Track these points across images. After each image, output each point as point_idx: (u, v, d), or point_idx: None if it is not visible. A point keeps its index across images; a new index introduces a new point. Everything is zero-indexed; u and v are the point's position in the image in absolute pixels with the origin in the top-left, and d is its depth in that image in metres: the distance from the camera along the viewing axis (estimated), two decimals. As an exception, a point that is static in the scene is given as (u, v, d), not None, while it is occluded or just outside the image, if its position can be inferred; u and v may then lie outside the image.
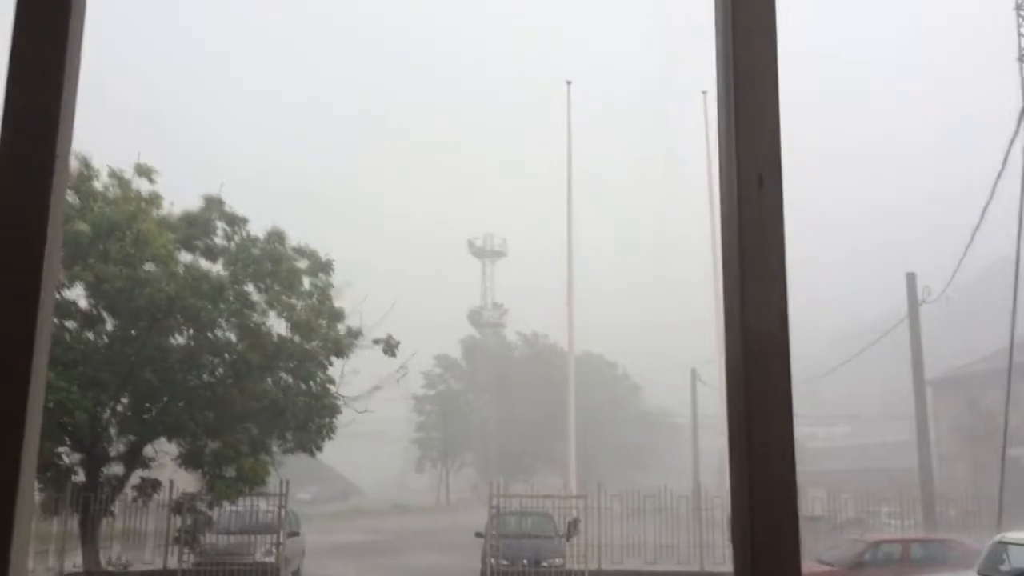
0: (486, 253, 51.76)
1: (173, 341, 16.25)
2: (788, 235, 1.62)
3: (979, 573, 11.68)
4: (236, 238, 16.82)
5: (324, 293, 17.11)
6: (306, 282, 17.02)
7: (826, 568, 15.68)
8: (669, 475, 29.92)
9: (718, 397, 22.81)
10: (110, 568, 16.12)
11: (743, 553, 1.99)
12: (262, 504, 17.30)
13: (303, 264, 17.07)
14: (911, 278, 23.13)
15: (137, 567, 16.50)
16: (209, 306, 15.62)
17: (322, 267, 17.24)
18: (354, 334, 17.02)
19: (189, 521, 16.30)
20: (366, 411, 17.96)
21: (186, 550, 16.17)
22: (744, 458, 1.73)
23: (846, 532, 16.98)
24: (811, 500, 18.37)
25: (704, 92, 22.02)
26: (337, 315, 17.02)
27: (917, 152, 62.65)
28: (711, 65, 1.77)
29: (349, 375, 17.33)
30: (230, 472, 15.98)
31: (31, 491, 1.58)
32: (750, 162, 1.72)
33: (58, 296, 14.83)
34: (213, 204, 16.77)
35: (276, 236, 16.96)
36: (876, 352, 28.13)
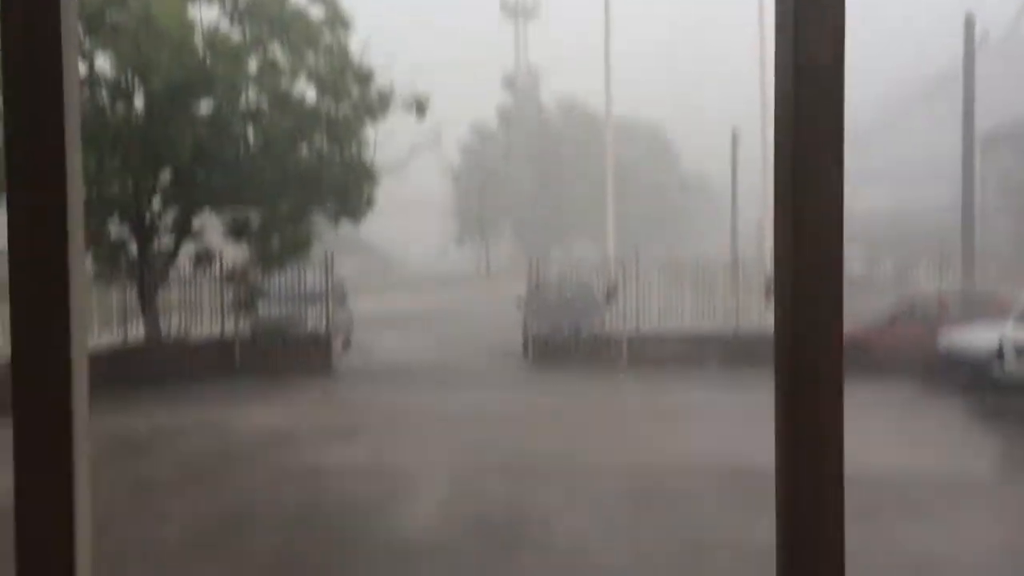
0: (519, 12, 49.36)
1: (203, 112, 16.18)
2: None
3: (1014, 320, 11.84)
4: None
5: (345, 50, 16.69)
6: (326, 33, 16.55)
7: (861, 325, 16.00)
8: (707, 244, 30.11)
9: (759, 166, 22.40)
10: (170, 337, 17.02)
11: (784, 305, 1.95)
12: (309, 276, 17.84)
13: (318, 12, 16.50)
14: (969, 21, 21.70)
15: (195, 337, 17.36)
16: (233, 70, 15.44)
17: (340, 20, 16.67)
18: (385, 96, 16.76)
19: (241, 292, 16.99)
20: (403, 178, 18.03)
21: (240, 320, 16.98)
22: (790, 198, 1.71)
23: (884, 290, 17.13)
24: (849, 260, 18.40)
25: None
26: (365, 76, 16.68)
27: None
28: None
29: (384, 140, 17.31)
30: (275, 242, 16.49)
31: (82, 263, 1.55)
32: None
33: (83, 70, 14.75)
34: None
35: None
36: (924, 109, 27.12)
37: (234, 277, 17.11)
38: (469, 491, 7.88)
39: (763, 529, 1.89)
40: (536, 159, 46.47)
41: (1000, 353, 11.75)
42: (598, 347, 16.95)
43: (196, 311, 17.79)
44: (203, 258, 17.09)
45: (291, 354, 16.60)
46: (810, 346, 1.96)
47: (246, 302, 17.04)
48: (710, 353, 16.07)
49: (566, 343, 17.03)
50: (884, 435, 10.54)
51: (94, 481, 1.48)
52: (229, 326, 17.02)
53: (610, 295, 18.14)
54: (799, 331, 1.99)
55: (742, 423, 10.03)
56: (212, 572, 5.92)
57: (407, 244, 48.44)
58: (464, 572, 5.72)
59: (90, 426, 1.49)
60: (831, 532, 1.94)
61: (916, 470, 8.69)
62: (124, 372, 14.26)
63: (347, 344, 19.35)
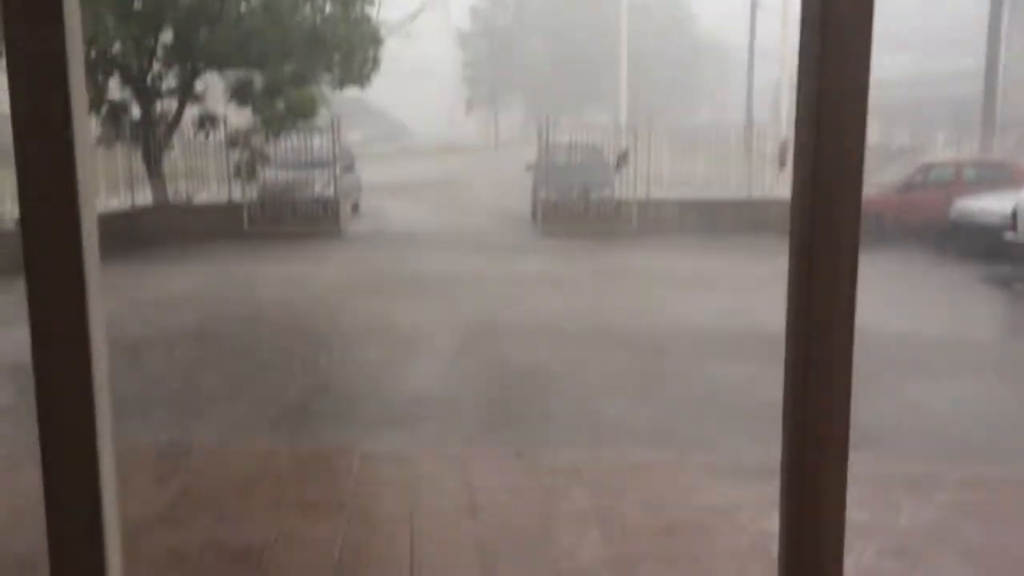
0: None
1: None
2: None
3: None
4: None
5: None
6: None
7: (877, 191, 15.87)
8: (722, 110, 29.47)
9: (779, 26, 21.64)
10: (177, 201, 17.02)
11: (804, 169, 1.93)
12: (316, 141, 17.68)
13: None
14: None
15: (201, 200, 17.36)
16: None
17: None
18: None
19: (246, 155, 16.89)
20: (410, 43, 17.57)
21: (248, 184, 16.94)
22: (815, 62, 1.70)
23: (900, 158, 16.89)
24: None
25: None
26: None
27: None
28: None
29: (389, 2, 16.77)
30: (279, 104, 16.25)
31: (86, 122, 1.54)
32: None
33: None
34: None
35: None
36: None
37: (238, 141, 16.96)
38: (477, 346, 8.03)
39: (768, 387, 1.91)
40: (547, 25, 45.00)
41: (1013, 220, 11.67)
42: (608, 212, 16.89)
43: (202, 178, 17.75)
44: (207, 122, 16.87)
45: (300, 218, 16.62)
46: (828, 212, 1.94)
47: (252, 167, 16.95)
48: (721, 219, 16.02)
49: (575, 208, 16.97)
50: (893, 300, 10.64)
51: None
52: (236, 192, 16.97)
53: (621, 161, 17.94)
54: (818, 196, 1.96)
55: (752, 289, 10.12)
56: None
57: (415, 111, 47.64)
58: (467, 417, 5.89)
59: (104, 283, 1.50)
60: (839, 398, 1.97)
61: (924, 333, 8.81)
62: (133, 233, 14.39)
63: (356, 209, 19.35)
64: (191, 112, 16.85)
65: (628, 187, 17.18)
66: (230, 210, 16.72)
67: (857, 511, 1.97)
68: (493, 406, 6.35)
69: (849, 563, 1.89)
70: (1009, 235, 11.73)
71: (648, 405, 6.38)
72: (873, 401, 6.54)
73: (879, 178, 16.26)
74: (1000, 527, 4.12)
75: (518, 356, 7.83)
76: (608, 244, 15.33)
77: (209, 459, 4.96)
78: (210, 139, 17.17)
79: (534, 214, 17.49)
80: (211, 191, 17.63)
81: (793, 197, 1.97)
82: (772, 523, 1.93)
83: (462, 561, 3.62)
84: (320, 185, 17.10)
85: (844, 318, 1.94)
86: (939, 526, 4.06)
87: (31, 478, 1.59)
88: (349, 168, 18.49)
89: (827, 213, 1.92)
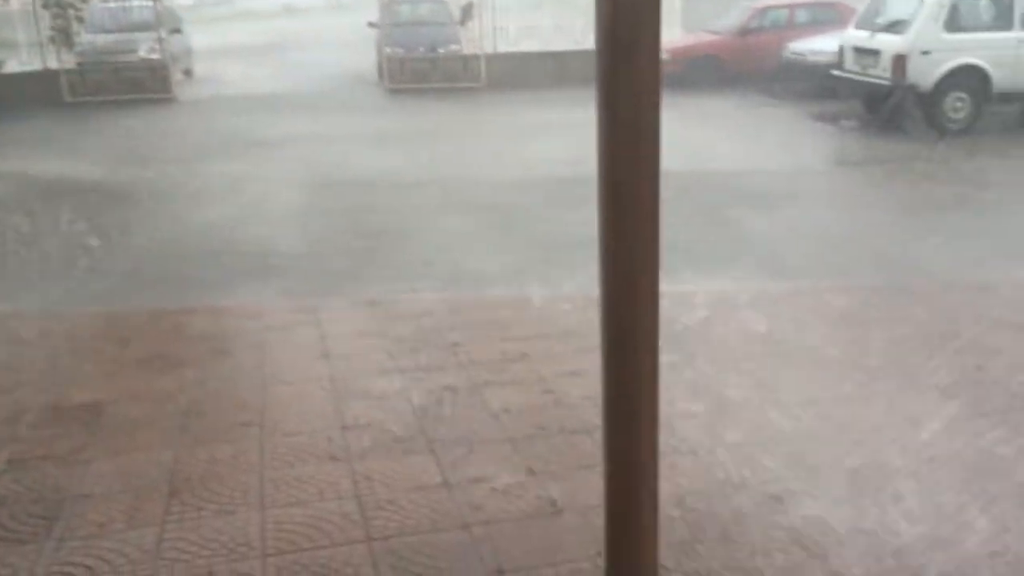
0: None
1: None
2: None
3: (855, 27, 12.23)
4: None
5: None
6: None
7: (715, 36, 16.19)
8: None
9: None
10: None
11: (603, 19, 1.98)
12: (135, 1, 16.40)
13: None
14: None
15: (12, 69, 15.88)
16: None
17: None
18: None
19: (59, 21, 15.49)
20: None
21: (64, 49, 15.60)
22: None
23: (739, 3, 17.17)
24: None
25: None
26: None
27: None
28: None
29: None
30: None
31: None
32: None
33: None
34: None
35: None
36: None
37: (50, 4, 15.49)
38: (323, 202, 7.87)
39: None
40: None
41: (839, 57, 12.18)
42: (455, 68, 16.56)
43: (11, 47, 16.22)
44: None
45: (125, 84, 15.48)
46: (628, 59, 2.01)
47: (66, 31, 15.57)
48: (569, 71, 15.99)
49: (421, 65, 16.55)
50: (727, 139, 11.06)
51: None
52: (52, 59, 15.61)
53: (465, 15, 17.52)
54: (618, 44, 2.02)
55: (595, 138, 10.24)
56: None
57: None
58: (317, 271, 5.84)
59: None
60: (647, 222, 2.09)
61: (753, 168, 9.24)
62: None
63: (189, 74, 18.21)
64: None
65: (475, 42, 16.84)
66: (46, 78, 15.37)
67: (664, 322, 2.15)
68: (343, 259, 6.29)
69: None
70: (836, 72, 12.28)
71: (497, 250, 6.48)
72: (703, 228, 6.88)
73: (720, 23, 16.57)
74: (791, 326, 4.49)
75: (366, 210, 7.74)
76: (455, 100, 15.10)
77: (52, 323, 4.73)
78: (15, 2, 15.61)
79: (380, 73, 16.95)
80: (23, 59, 16.13)
81: (597, 46, 2.03)
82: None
83: (314, 400, 3.66)
84: (145, 49, 15.91)
85: (649, 150, 2.04)
86: (726, 326, 4.40)
87: None
88: (176, 31, 17.24)
89: (627, 59, 1.99)
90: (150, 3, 16.04)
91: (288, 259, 6.31)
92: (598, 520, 2.39)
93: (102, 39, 15.96)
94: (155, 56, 15.83)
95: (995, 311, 4.72)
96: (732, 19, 16.40)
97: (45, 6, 15.46)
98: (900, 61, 10.88)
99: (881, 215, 7.55)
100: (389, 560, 2.54)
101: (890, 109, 11.20)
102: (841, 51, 12.18)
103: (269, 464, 3.11)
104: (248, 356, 4.18)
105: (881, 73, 11.20)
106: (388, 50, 16.52)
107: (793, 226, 7.08)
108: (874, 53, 11.39)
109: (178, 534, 2.70)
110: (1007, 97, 11.12)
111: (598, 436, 2.26)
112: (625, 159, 2.04)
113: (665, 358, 2.17)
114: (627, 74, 2.00)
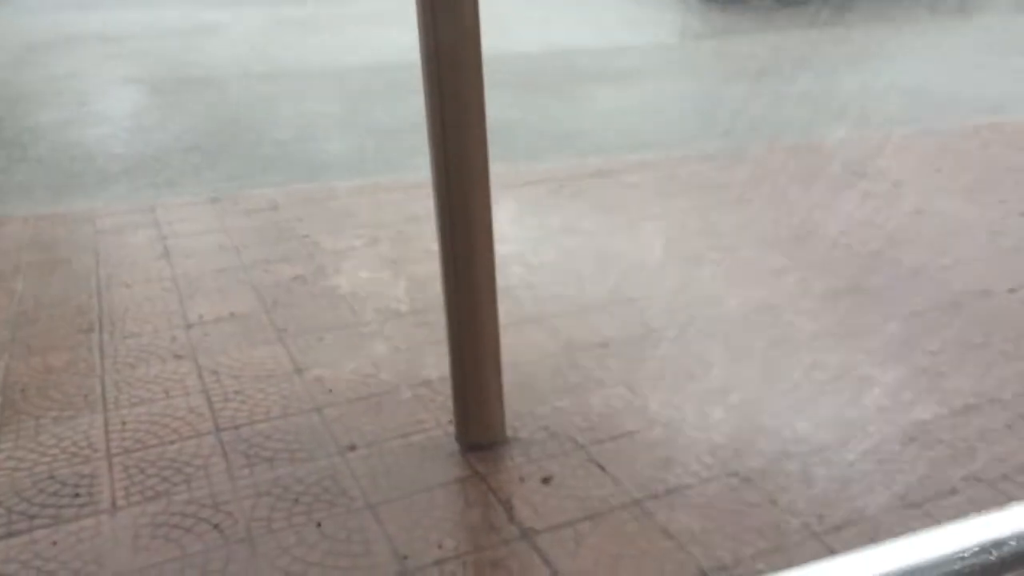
0: None
1: None
2: None
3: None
4: None
5: None
6: None
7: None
8: None
9: None
10: None
11: None
12: None
13: None
14: None
15: None
16: None
17: None
18: None
19: None
20: None
21: None
22: None
23: None
24: None
25: None
26: None
27: None
28: None
29: None
30: None
31: None
32: None
33: None
34: None
35: None
36: None
37: None
38: (165, 98, 7.46)
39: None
40: None
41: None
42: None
43: None
44: None
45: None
46: None
47: None
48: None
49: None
50: (605, 21, 11.02)
51: None
52: None
53: None
54: None
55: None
56: None
57: None
58: (156, 170, 5.57)
59: None
60: (473, 115, 2.10)
61: (626, 46, 9.28)
62: None
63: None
64: None
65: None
66: None
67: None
68: (186, 155, 6.01)
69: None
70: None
71: (341, 139, 6.34)
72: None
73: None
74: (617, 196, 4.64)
75: (212, 104, 7.38)
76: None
77: None
78: None
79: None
80: None
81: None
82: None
83: (156, 301, 3.54)
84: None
85: (471, 44, 2.04)
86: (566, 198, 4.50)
87: None
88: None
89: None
90: None
91: (124, 160, 5.98)
92: (449, 391, 2.45)
93: None
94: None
95: (810, 166, 5.00)
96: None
97: None
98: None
99: (722, 85, 7.76)
100: (240, 448, 2.54)
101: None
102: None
103: (111, 368, 3.02)
104: (84, 261, 3.99)
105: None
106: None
107: (653, 96, 7.20)
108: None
109: (15, 443, 2.61)
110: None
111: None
112: (447, 53, 2.03)
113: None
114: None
